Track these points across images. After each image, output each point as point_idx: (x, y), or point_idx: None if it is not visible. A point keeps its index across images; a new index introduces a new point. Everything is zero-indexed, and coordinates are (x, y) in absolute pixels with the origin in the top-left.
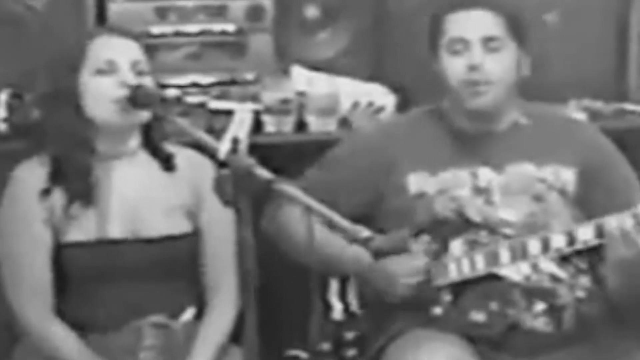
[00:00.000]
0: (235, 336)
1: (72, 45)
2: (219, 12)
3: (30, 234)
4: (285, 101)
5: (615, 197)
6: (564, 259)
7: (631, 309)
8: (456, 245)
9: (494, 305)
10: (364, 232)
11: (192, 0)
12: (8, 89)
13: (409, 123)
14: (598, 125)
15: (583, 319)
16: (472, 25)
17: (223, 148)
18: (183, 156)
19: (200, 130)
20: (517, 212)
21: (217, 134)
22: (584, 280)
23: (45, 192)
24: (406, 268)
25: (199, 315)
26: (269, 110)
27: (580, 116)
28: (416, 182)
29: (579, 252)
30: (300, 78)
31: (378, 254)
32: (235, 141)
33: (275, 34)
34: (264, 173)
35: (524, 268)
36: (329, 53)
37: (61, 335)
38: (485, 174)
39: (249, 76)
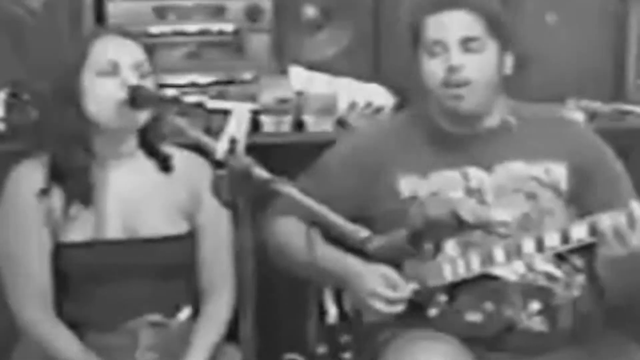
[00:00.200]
0: (235, 336)
1: (74, 45)
2: (218, 12)
3: (29, 234)
4: (283, 101)
5: (607, 195)
6: (559, 258)
7: (626, 307)
8: (450, 247)
9: (489, 305)
10: (363, 233)
11: (190, 0)
12: (6, 89)
13: (396, 126)
14: (596, 125)
15: (579, 318)
16: (450, 26)
17: (221, 148)
18: (180, 157)
19: (198, 130)
20: (510, 212)
21: (215, 133)
22: (580, 279)
23: (44, 193)
24: (386, 296)
25: (196, 315)
26: (267, 110)
27: (579, 116)
28: (407, 185)
29: (574, 251)
30: (299, 78)
31: (378, 254)
32: (233, 141)
33: (273, 34)
34: (261, 173)
35: (519, 267)
36: (328, 53)
37: (61, 336)
38: (476, 175)
39: (247, 76)
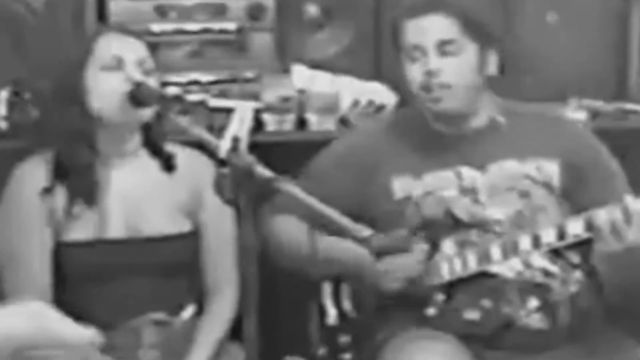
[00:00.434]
0: (237, 335)
1: (78, 42)
2: (220, 11)
3: (31, 233)
4: (285, 99)
5: (602, 192)
6: (555, 254)
7: (622, 302)
8: (447, 246)
9: (487, 303)
10: (365, 231)
11: None
12: (8, 87)
13: (388, 128)
14: (598, 124)
15: (577, 315)
16: (426, 30)
17: (223, 146)
18: (183, 155)
19: (200, 129)
20: (504, 210)
21: (217, 132)
22: (577, 275)
23: (47, 191)
24: (403, 262)
25: (199, 313)
26: (269, 108)
27: (581, 115)
28: (401, 186)
29: (571, 247)
30: (301, 76)
31: (379, 253)
32: (235, 139)
33: (275, 33)
34: (264, 172)
35: (516, 264)
36: (330, 51)
37: None
38: (469, 174)
39: (250, 74)
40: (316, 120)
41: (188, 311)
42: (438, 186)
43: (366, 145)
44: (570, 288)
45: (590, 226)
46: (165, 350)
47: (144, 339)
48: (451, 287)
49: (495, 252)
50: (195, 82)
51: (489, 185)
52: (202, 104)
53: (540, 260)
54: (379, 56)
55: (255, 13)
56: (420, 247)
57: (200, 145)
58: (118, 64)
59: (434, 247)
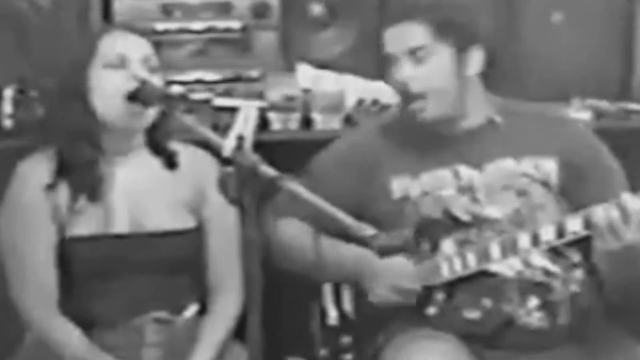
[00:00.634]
0: (240, 335)
1: (83, 41)
2: (225, 9)
3: (35, 229)
4: (290, 98)
5: (601, 191)
6: (555, 253)
7: (623, 300)
8: (447, 245)
9: (487, 302)
10: (369, 230)
11: None
12: (13, 86)
13: (385, 127)
14: (602, 124)
15: (578, 314)
16: (397, 39)
17: (228, 145)
18: (187, 153)
19: (205, 128)
20: (502, 209)
21: (222, 131)
22: (578, 274)
23: (50, 187)
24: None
25: (202, 312)
26: (274, 107)
27: (585, 115)
28: (399, 186)
29: (571, 245)
30: (306, 75)
31: (382, 252)
32: (240, 138)
33: (280, 31)
34: (268, 170)
35: (516, 264)
36: (335, 50)
37: (66, 331)
38: (467, 173)
39: (254, 73)
40: (321, 119)
41: (191, 310)
42: (436, 186)
43: (365, 145)
44: (571, 287)
45: (588, 223)
46: (168, 350)
47: (146, 337)
48: (451, 287)
49: (495, 250)
50: (200, 81)
51: (486, 184)
52: (206, 102)
53: (540, 260)
54: (384, 55)
55: (260, 12)
56: (424, 265)
57: (205, 144)
58: (122, 63)
59: (434, 246)
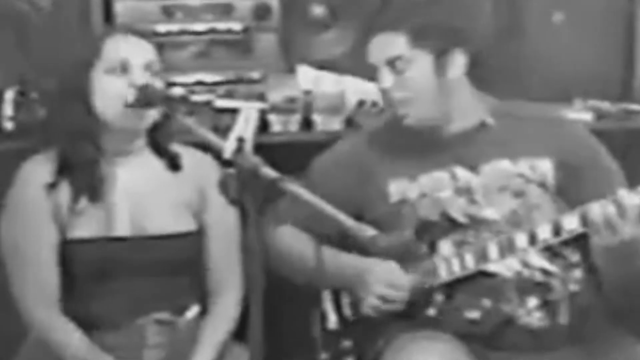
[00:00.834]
0: (241, 336)
1: (86, 42)
2: (226, 11)
3: (36, 229)
4: (291, 100)
5: (600, 191)
6: (554, 254)
7: (622, 296)
8: (445, 246)
9: (487, 302)
10: (370, 231)
11: None
12: (15, 87)
13: (378, 133)
14: (603, 125)
15: (578, 313)
16: (376, 50)
17: (228, 147)
18: (188, 155)
19: (206, 129)
20: (499, 210)
21: (223, 132)
22: (577, 274)
23: (52, 186)
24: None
25: (203, 313)
26: (274, 109)
27: (586, 116)
28: (397, 189)
29: (570, 245)
30: (307, 77)
31: (384, 253)
32: (240, 140)
33: (281, 33)
34: (269, 172)
35: (515, 264)
36: (335, 52)
37: (66, 331)
38: (463, 175)
39: (255, 75)
40: (322, 121)
41: (192, 311)
42: (434, 187)
43: (358, 154)
44: (570, 287)
45: (585, 220)
46: (169, 351)
47: (147, 339)
48: (450, 288)
49: (493, 250)
50: (201, 83)
51: (483, 185)
52: (207, 104)
53: (538, 260)
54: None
55: (261, 13)
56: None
57: (205, 146)
58: (124, 68)
59: (432, 248)
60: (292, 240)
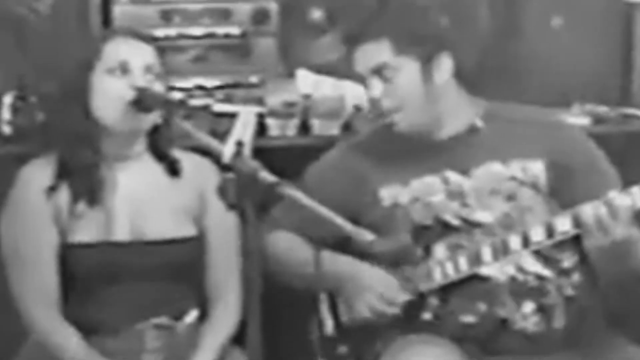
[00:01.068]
0: (240, 340)
1: (87, 44)
2: (224, 15)
3: (36, 232)
4: (289, 104)
5: (595, 194)
6: (549, 258)
7: (619, 296)
8: (439, 250)
9: (482, 306)
10: (368, 236)
11: (197, 3)
12: (13, 92)
13: (370, 139)
14: (601, 129)
15: (573, 317)
16: (361, 59)
17: (227, 151)
18: (188, 160)
19: (204, 134)
20: (492, 213)
21: (221, 137)
22: (572, 279)
23: (51, 190)
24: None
25: (202, 318)
26: (273, 113)
27: (583, 120)
28: (389, 194)
29: (565, 248)
30: (305, 81)
31: (381, 258)
32: (239, 144)
33: (280, 37)
34: (268, 176)
35: (509, 269)
36: (334, 56)
37: (65, 335)
38: (455, 178)
39: (254, 79)
40: (320, 125)
41: (191, 316)
42: (426, 192)
43: (349, 161)
44: (566, 291)
45: (577, 222)
46: (168, 355)
47: (146, 343)
48: (445, 292)
49: (486, 253)
50: (200, 87)
51: (475, 189)
52: (206, 108)
53: (532, 264)
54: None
55: (259, 18)
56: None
57: (203, 150)
58: (124, 69)
59: (426, 252)
60: (287, 245)
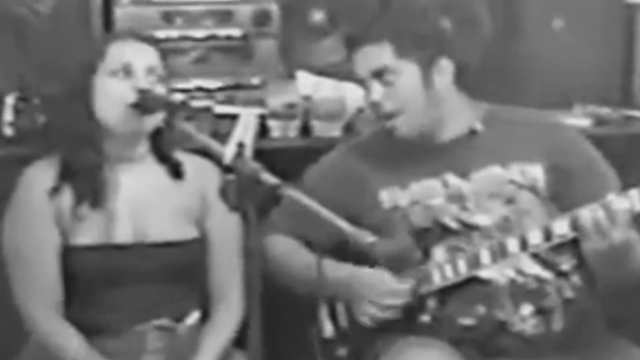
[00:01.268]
0: (240, 342)
1: (90, 46)
2: (225, 17)
3: (39, 233)
4: (290, 106)
5: (594, 196)
6: (547, 260)
7: (617, 298)
8: (438, 253)
9: (480, 309)
10: (369, 237)
11: (198, 5)
12: (15, 93)
13: (369, 141)
14: (603, 131)
15: (572, 320)
16: (361, 63)
17: (228, 153)
18: (191, 162)
19: (205, 135)
20: (491, 216)
21: (222, 138)
22: (572, 280)
23: (54, 191)
24: (387, 289)
25: (204, 319)
26: (274, 114)
27: (584, 122)
28: (388, 197)
29: (564, 251)
30: (306, 83)
31: (383, 259)
32: (240, 146)
33: (281, 39)
34: (269, 178)
35: (508, 271)
36: (335, 58)
37: (66, 335)
38: (455, 182)
39: (255, 81)
40: (321, 127)
41: (192, 317)
42: (425, 195)
43: (348, 164)
44: (565, 293)
45: (575, 225)
46: (169, 357)
47: (148, 344)
48: (444, 294)
49: (485, 256)
50: (201, 89)
51: (474, 192)
52: (207, 110)
53: (531, 267)
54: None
55: (260, 20)
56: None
57: (205, 152)
58: (127, 71)
59: (426, 255)
60: (285, 249)
